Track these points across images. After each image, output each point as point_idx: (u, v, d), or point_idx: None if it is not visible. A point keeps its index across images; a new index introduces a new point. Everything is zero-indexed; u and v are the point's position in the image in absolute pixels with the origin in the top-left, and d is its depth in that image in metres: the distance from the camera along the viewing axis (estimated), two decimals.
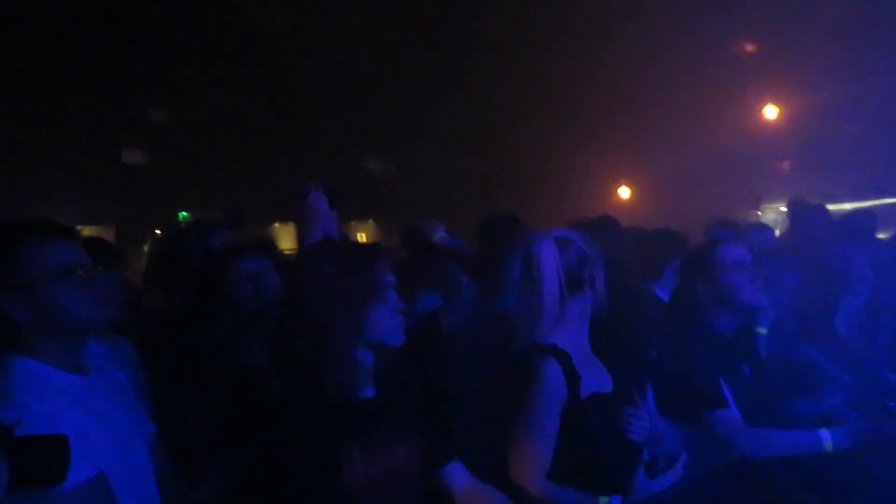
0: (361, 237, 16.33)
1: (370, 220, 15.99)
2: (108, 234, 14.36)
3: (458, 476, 1.95)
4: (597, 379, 2.14)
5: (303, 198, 2.43)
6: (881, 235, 6.23)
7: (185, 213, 14.02)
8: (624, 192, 14.52)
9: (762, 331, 3.03)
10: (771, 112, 10.21)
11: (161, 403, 2.06)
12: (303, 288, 1.72)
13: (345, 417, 1.66)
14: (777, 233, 5.79)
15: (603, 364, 2.23)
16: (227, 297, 2.39)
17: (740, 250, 2.63)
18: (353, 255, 1.78)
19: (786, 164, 12.35)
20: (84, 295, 1.55)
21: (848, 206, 8.67)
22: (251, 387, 2.05)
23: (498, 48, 8.32)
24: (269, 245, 2.67)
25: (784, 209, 5.59)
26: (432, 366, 2.65)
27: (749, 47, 8.75)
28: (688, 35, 7.78)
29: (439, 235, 3.48)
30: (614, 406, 2.11)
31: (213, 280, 2.43)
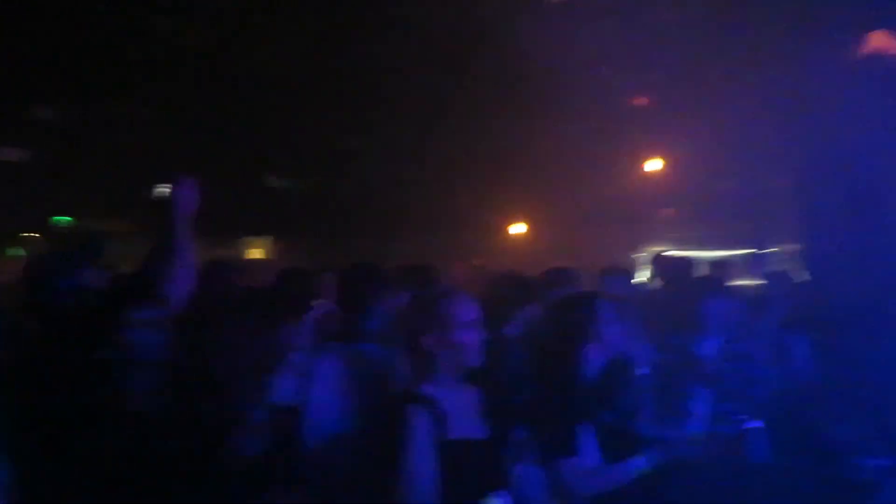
0: (254, 253, 15.91)
1: (267, 237, 15.61)
2: None
3: None
4: (469, 425, 2.21)
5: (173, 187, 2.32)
6: (748, 283, 6.72)
7: (59, 217, 13.11)
8: (520, 229, 14.95)
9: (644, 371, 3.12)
10: (656, 164, 10.95)
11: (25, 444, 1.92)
12: (206, 349, 1.70)
13: (240, 475, 1.67)
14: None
15: (481, 413, 2.29)
16: (116, 347, 2.26)
17: (610, 303, 2.83)
18: (259, 318, 1.77)
19: (670, 212, 13.15)
20: None
21: (722, 253, 9.35)
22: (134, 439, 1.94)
23: (402, 82, 8.44)
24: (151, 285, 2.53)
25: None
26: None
27: (640, 101, 9.30)
28: (583, 84, 8.18)
29: None
30: (484, 452, 2.19)
31: (99, 329, 2.30)
